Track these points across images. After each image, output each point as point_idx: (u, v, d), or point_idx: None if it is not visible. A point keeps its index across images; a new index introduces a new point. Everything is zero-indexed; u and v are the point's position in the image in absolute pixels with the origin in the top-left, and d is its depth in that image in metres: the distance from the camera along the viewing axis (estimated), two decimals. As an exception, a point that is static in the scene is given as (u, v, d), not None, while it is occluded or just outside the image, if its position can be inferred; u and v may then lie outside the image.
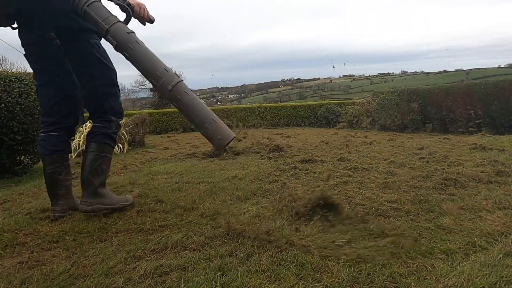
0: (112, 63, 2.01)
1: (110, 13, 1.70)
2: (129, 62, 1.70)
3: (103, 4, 1.73)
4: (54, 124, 1.95)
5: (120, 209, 1.96)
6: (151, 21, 1.94)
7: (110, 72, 1.99)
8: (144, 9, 1.87)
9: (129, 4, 1.79)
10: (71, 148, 2.06)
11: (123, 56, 1.70)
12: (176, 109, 18.04)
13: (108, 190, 2.01)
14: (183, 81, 1.70)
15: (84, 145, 6.45)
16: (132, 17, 1.82)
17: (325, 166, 3.14)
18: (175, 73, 1.74)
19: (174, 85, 1.64)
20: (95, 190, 1.87)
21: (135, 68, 1.72)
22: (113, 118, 1.99)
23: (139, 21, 1.89)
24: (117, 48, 1.69)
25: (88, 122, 6.85)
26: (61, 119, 1.96)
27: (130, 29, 1.72)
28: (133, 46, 1.66)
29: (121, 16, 1.80)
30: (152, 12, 1.93)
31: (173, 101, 1.69)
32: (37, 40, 1.82)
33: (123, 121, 6.90)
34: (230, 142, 1.67)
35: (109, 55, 2.00)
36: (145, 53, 1.69)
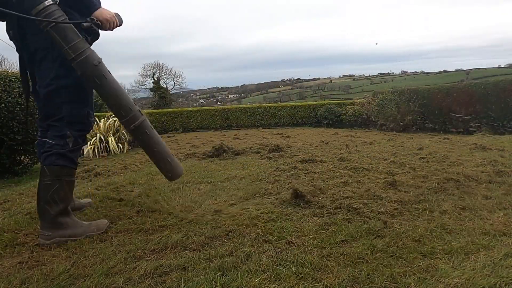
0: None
1: (78, 36, 1.54)
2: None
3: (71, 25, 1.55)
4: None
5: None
6: (120, 25, 1.77)
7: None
8: (113, 22, 1.68)
9: (97, 25, 1.63)
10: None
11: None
12: (176, 109, 17.87)
13: (75, 217, 1.72)
14: (146, 120, 1.73)
15: (83, 145, 6.42)
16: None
17: (325, 166, 3.14)
18: (139, 110, 1.71)
19: (137, 125, 1.68)
20: (53, 220, 1.61)
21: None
22: (66, 132, 1.65)
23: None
24: (81, 76, 1.60)
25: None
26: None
27: (98, 57, 1.59)
28: (100, 81, 1.59)
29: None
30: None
31: (135, 138, 1.74)
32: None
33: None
34: (178, 178, 1.90)
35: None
36: (111, 88, 1.63)
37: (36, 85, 1.71)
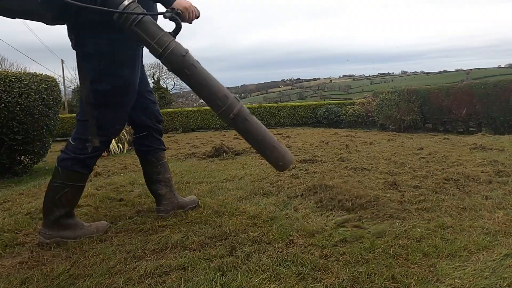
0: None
1: (161, 29, 1.50)
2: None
3: (151, 18, 1.50)
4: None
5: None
6: (198, 17, 1.68)
7: (114, 79, 1.68)
8: (192, 11, 1.61)
9: (178, 14, 1.55)
10: (164, 145, 1.94)
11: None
12: (176, 109, 17.90)
13: (77, 219, 1.71)
14: (243, 106, 1.59)
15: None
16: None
17: (326, 166, 3.14)
18: (235, 96, 1.59)
19: (236, 112, 1.54)
20: (56, 220, 1.61)
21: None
22: (82, 137, 1.63)
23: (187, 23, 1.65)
24: (172, 71, 1.55)
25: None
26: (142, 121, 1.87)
27: (185, 48, 1.52)
28: (190, 71, 1.52)
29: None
30: None
31: (236, 128, 1.61)
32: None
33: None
34: (290, 166, 1.74)
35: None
36: (203, 78, 1.54)
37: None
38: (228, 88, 1.64)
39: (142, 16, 1.45)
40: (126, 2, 1.43)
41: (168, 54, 1.47)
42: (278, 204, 2.04)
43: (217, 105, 1.54)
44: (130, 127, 1.98)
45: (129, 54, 1.65)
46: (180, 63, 1.49)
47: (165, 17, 1.54)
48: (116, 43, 1.58)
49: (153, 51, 1.49)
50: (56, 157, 1.68)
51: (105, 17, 1.49)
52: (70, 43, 1.65)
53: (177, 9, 1.54)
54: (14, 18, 1.52)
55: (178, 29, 1.55)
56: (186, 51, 1.52)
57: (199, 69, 1.53)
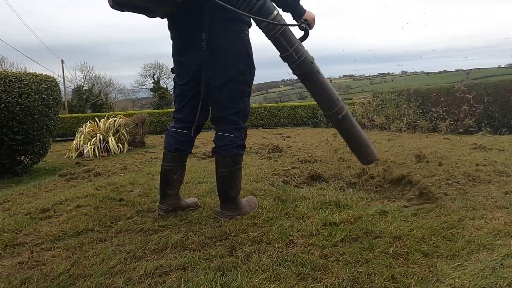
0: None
1: (296, 39, 1.70)
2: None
3: (290, 29, 1.69)
4: (183, 121, 1.89)
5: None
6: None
7: (253, 69, 1.81)
8: (314, 21, 1.81)
9: (308, 24, 1.75)
10: (192, 149, 1.97)
11: (300, 82, 1.80)
12: (176, 109, 18.03)
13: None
14: (349, 110, 1.85)
15: (83, 145, 6.39)
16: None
17: (325, 166, 3.13)
18: (343, 100, 1.83)
19: (345, 114, 1.80)
20: (234, 201, 1.83)
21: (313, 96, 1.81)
22: (242, 125, 1.81)
23: None
24: (299, 76, 1.75)
25: (88, 122, 6.85)
26: (191, 116, 1.88)
27: (311, 56, 1.73)
28: (315, 77, 1.73)
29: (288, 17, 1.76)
30: None
31: (341, 127, 1.86)
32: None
33: (123, 121, 6.88)
34: (375, 161, 2.06)
35: None
36: (323, 83, 1.77)
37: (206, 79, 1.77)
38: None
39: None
40: (275, 13, 1.61)
41: (302, 61, 1.68)
42: (278, 204, 2.03)
43: (330, 107, 1.78)
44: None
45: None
46: (309, 69, 1.70)
47: (300, 27, 1.73)
48: (244, 35, 1.74)
49: (288, 57, 1.68)
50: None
51: (233, 14, 1.60)
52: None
53: (308, 20, 1.75)
54: (124, 11, 1.58)
55: (306, 36, 1.75)
56: (313, 59, 1.73)
57: (321, 75, 1.75)
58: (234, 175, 1.80)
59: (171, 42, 1.84)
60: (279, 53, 1.72)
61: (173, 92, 1.93)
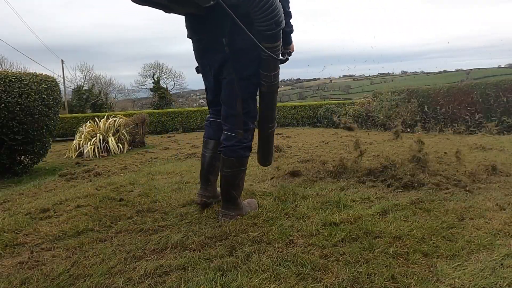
0: None
1: (278, 66, 1.90)
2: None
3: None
4: (218, 113, 1.95)
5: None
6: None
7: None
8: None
9: (290, 53, 2.03)
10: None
11: None
12: (176, 109, 17.92)
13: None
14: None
15: (83, 145, 6.38)
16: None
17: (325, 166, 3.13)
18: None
19: (274, 129, 2.14)
20: (236, 201, 1.85)
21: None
22: (251, 126, 1.87)
23: None
24: (262, 92, 1.94)
25: (88, 122, 6.85)
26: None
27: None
28: (274, 98, 1.99)
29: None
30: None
31: (267, 137, 2.10)
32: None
33: (123, 121, 6.88)
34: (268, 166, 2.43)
35: None
36: (276, 103, 2.04)
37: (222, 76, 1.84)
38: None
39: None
40: (279, 42, 1.76)
41: (274, 84, 1.89)
42: (278, 204, 2.03)
43: (272, 122, 2.05)
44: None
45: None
46: (275, 90, 1.94)
47: (283, 54, 1.95)
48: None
49: (267, 77, 1.84)
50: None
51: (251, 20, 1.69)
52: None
53: (290, 51, 2.02)
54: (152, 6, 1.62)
55: (285, 62, 1.99)
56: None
57: (277, 94, 2.01)
58: (238, 176, 1.83)
59: (191, 41, 1.90)
60: (260, 68, 1.83)
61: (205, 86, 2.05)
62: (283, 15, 1.66)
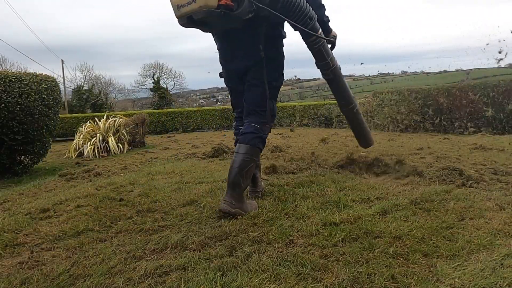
0: None
1: (331, 51, 2.24)
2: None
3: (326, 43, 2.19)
4: (241, 118, 2.19)
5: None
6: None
7: (283, 78, 2.19)
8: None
9: (335, 37, 2.29)
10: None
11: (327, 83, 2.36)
12: (176, 109, 17.98)
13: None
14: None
15: (83, 145, 6.39)
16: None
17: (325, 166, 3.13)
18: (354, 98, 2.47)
19: (358, 109, 2.47)
20: (240, 193, 1.86)
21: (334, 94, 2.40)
22: (269, 123, 2.05)
23: None
24: (328, 80, 2.31)
25: (88, 122, 6.85)
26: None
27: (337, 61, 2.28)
28: (341, 79, 2.31)
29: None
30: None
31: (351, 118, 2.51)
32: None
33: (122, 121, 6.89)
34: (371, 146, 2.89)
35: None
36: (345, 84, 2.37)
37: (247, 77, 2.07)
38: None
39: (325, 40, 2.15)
40: (320, 31, 2.07)
41: (335, 68, 2.22)
42: (278, 204, 2.03)
43: (348, 103, 2.37)
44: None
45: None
46: (339, 74, 2.23)
47: (329, 42, 2.23)
48: (282, 50, 2.14)
49: (326, 65, 2.20)
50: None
51: (278, 32, 2.09)
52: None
53: (334, 35, 2.30)
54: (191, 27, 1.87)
55: (333, 48, 2.27)
56: (339, 66, 2.31)
57: (343, 77, 2.30)
58: (248, 164, 1.90)
59: (218, 52, 2.16)
60: (316, 62, 2.18)
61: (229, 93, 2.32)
62: (312, 10, 1.92)
